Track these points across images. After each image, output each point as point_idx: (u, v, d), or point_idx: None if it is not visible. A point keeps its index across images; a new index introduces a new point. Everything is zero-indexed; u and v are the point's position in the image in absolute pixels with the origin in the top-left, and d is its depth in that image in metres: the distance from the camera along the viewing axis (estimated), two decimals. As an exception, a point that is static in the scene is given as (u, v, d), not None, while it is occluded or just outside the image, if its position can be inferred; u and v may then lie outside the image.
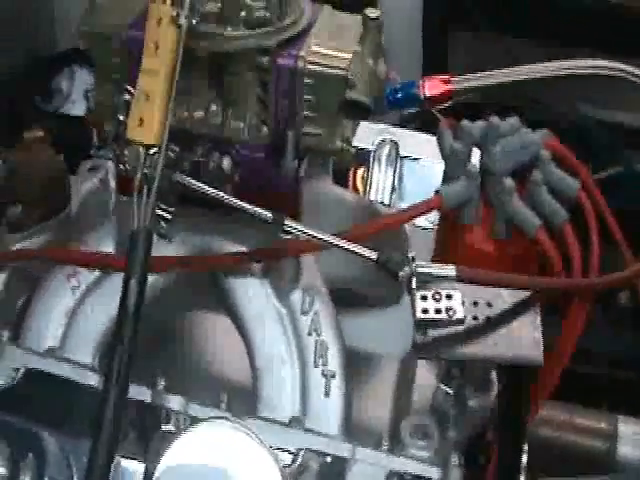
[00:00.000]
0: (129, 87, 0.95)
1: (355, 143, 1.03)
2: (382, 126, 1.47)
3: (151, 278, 1.03)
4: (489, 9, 2.09)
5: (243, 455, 0.87)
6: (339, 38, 1.00)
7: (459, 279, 0.95)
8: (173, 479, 0.85)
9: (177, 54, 0.90)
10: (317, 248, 1.01)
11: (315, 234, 0.96)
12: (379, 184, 1.43)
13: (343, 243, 0.96)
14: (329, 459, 0.97)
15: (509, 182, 1.02)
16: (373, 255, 0.95)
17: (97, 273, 1.06)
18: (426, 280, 0.95)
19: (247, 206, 0.96)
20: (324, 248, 0.99)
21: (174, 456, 0.86)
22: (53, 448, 0.99)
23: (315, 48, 0.98)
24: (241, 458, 0.86)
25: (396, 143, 1.46)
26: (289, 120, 0.98)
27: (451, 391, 1.03)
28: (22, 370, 0.99)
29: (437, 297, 0.95)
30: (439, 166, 1.50)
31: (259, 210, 0.96)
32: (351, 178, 1.46)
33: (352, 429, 1.01)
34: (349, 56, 0.97)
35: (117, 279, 1.03)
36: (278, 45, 0.97)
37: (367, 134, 1.41)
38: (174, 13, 0.90)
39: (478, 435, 1.04)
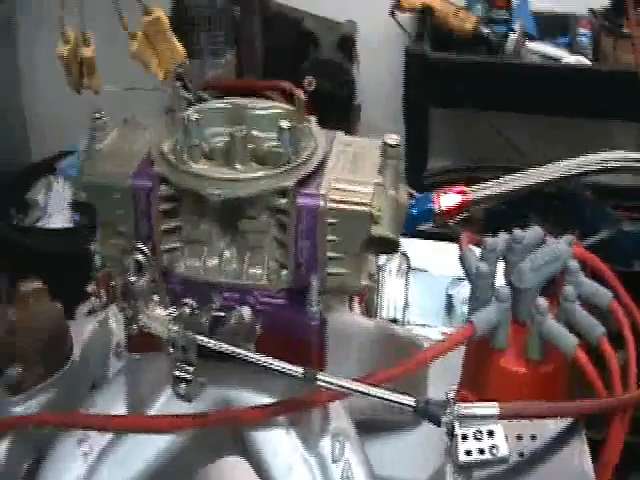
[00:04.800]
0: (140, 244, 0.89)
1: None
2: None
3: (167, 437, 0.97)
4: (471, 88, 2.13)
5: None
6: (358, 170, 0.94)
7: (502, 417, 0.91)
8: None
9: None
10: (347, 395, 0.94)
11: (349, 385, 0.90)
12: (390, 300, 1.37)
13: (378, 392, 0.90)
14: None
15: (542, 302, 0.98)
16: (410, 401, 0.90)
17: (109, 436, 0.98)
18: (468, 421, 0.90)
19: (276, 363, 0.89)
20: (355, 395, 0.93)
21: None
22: None
23: (335, 184, 0.91)
24: None
25: (406, 255, 1.41)
26: (311, 262, 0.92)
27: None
28: None
29: (478, 436, 0.91)
30: (447, 277, 1.46)
31: (288, 367, 0.89)
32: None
33: None
34: (370, 190, 0.91)
35: (132, 442, 0.97)
36: (297, 184, 0.91)
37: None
38: None
39: None
